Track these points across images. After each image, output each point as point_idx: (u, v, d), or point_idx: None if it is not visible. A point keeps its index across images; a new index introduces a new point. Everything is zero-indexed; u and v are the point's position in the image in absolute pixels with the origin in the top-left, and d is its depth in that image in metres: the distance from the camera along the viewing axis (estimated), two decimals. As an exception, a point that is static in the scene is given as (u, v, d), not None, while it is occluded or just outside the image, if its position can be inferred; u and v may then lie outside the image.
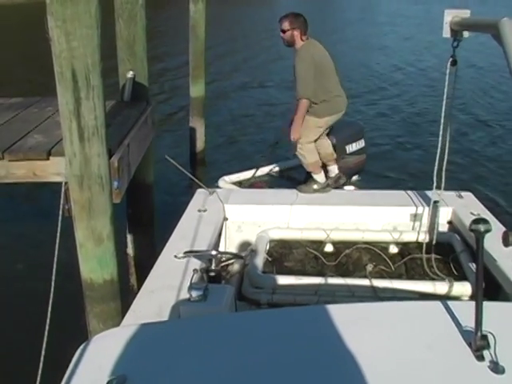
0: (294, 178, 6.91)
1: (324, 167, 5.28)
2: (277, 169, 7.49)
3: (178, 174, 6.84)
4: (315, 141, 5.11)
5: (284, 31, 4.85)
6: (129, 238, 5.81)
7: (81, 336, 4.10)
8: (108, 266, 3.94)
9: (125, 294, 4.31)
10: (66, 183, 3.86)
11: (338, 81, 5.07)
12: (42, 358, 3.55)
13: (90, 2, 3.39)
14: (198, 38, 9.18)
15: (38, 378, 3.39)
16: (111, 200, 3.90)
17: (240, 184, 6.91)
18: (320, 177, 5.12)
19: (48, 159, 4.05)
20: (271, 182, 7.17)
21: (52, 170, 4.07)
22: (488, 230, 1.78)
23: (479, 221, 1.79)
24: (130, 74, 5.30)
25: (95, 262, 3.90)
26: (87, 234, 3.83)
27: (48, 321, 3.71)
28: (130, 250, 5.79)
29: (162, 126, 10.65)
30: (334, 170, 5.33)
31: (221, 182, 6.87)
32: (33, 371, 3.49)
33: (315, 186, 5.01)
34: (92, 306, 4.01)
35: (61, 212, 3.93)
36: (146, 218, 5.83)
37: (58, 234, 3.93)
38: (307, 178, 5.27)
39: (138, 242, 5.77)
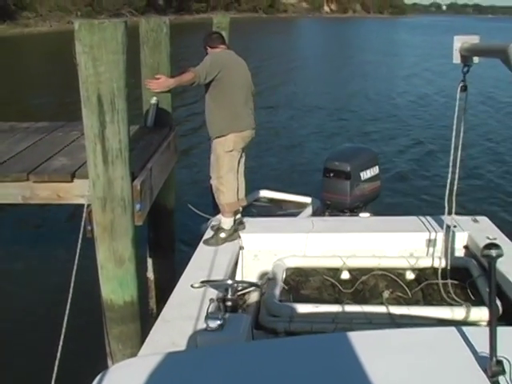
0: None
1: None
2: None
3: (199, 200, 6.91)
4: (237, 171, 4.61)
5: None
6: (149, 261, 5.84)
7: (99, 356, 4.14)
8: (129, 287, 3.97)
9: (144, 316, 4.33)
10: (88, 205, 3.92)
11: (248, 97, 4.65)
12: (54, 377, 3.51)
13: (116, 29, 3.50)
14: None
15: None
16: (133, 222, 3.94)
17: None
18: (229, 223, 4.59)
19: (72, 181, 4.11)
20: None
21: (75, 191, 4.13)
22: (500, 255, 1.78)
23: (491, 246, 1.80)
24: (154, 100, 5.39)
25: (116, 283, 3.93)
26: (109, 256, 3.87)
27: (61, 343, 3.56)
28: (150, 274, 5.82)
29: (186, 152, 10.75)
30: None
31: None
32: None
33: (222, 235, 4.51)
34: (111, 328, 4.02)
35: (81, 233, 3.96)
36: (166, 243, 5.86)
37: (77, 255, 3.95)
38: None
39: (158, 266, 5.80)
